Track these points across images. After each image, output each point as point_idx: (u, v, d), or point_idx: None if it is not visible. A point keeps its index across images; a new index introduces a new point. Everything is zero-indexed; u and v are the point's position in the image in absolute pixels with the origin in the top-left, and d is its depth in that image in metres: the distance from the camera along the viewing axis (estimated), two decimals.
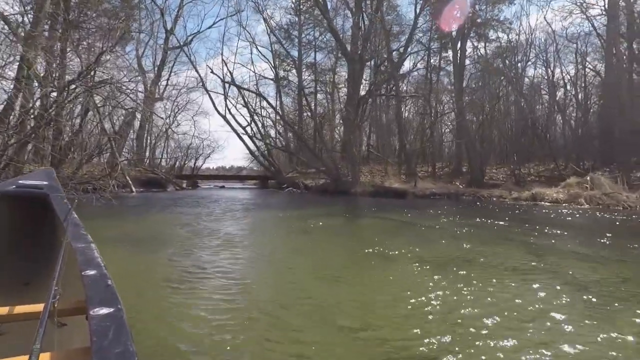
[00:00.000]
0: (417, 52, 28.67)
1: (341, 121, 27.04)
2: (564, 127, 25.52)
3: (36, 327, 0.77)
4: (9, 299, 1.35)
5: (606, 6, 24.89)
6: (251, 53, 35.00)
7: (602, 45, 25.41)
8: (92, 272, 1.13)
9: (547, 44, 25.81)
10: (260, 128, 28.72)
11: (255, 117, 28.93)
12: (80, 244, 1.42)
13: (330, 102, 35.11)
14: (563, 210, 10.90)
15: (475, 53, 26.49)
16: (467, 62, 25.53)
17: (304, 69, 37.22)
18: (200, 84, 27.17)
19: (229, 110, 28.01)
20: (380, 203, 14.36)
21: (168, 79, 26.27)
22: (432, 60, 29.50)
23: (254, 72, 30.09)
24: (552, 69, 26.63)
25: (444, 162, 27.48)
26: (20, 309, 1.15)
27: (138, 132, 25.10)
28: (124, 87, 15.48)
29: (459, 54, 24.02)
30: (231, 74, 27.25)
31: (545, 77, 26.87)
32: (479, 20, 24.13)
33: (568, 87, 26.24)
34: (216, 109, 27.44)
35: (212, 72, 28.25)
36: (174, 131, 24.84)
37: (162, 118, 23.89)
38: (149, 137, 27.06)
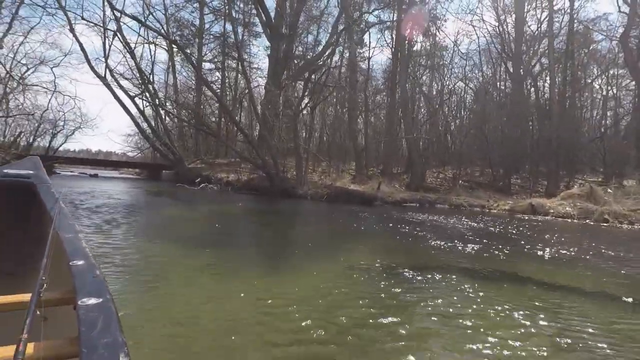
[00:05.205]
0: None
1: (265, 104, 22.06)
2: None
3: (23, 318, 0.76)
4: None
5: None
6: (145, 17, 25.30)
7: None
8: (80, 262, 1.14)
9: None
10: (161, 99, 21.58)
11: (150, 86, 21.60)
12: (67, 234, 1.40)
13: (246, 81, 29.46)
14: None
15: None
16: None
17: (209, 41, 30.58)
18: (67, 26, 18.51)
19: (110, 70, 20.06)
20: (357, 213, 10.72)
21: (15, 12, 16.88)
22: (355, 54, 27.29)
23: (144, 24, 21.90)
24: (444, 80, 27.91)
25: (375, 162, 25.46)
26: (5, 299, 1.10)
27: None
28: None
29: (406, 47, 22.06)
30: (118, 18, 19.33)
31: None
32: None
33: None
34: (90, 64, 19.23)
35: None
36: (24, 84, 15.79)
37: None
38: None
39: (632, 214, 10.74)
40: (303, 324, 2.61)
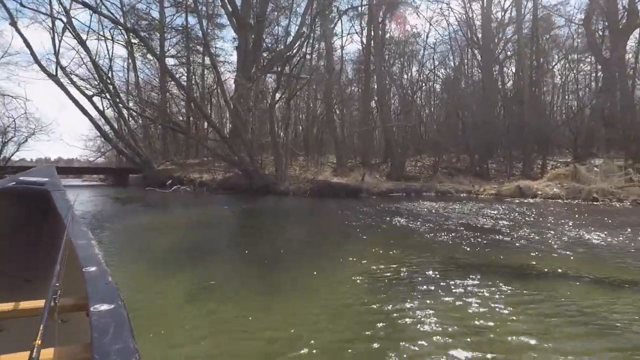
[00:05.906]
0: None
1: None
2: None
3: (37, 324, 0.76)
4: (10, 295, 1.28)
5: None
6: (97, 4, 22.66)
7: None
8: (92, 269, 1.13)
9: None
10: (122, 98, 19.97)
11: (110, 85, 19.91)
12: (80, 240, 1.39)
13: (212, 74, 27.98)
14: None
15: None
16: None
17: (171, 36, 28.82)
18: (9, 20, 16.56)
19: (61, 67, 18.25)
20: (346, 207, 10.11)
21: None
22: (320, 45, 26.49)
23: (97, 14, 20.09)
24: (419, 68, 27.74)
25: (353, 154, 24.91)
26: (20, 305, 1.11)
27: None
28: None
29: (380, 34, 21.52)
30: (67, 10, 17.53)
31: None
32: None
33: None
34: (37, 60, 17.39)
35: None
36: None
37: None
38: None
39: (619, 191, 10.79)
40: None
